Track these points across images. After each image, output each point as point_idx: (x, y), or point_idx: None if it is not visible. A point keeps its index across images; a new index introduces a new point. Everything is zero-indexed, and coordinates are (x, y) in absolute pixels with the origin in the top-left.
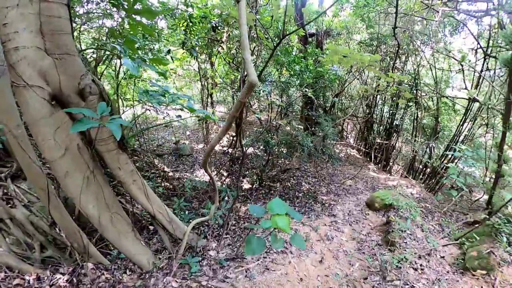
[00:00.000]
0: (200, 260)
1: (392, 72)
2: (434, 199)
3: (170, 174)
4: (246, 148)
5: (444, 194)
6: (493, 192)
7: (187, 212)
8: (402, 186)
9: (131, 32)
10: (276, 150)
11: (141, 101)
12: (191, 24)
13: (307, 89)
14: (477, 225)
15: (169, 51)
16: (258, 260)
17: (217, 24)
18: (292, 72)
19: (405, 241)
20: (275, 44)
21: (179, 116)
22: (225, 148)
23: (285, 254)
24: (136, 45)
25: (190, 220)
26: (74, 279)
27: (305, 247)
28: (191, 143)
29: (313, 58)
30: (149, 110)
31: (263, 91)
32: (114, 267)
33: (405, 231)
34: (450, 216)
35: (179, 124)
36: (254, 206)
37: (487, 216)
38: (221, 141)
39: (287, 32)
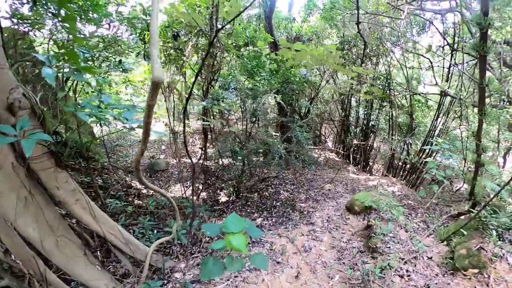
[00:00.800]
0: (164, 284)
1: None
2: (416, 195)
3: (144, 191)
4: (217, 160)
5: (426, 188)
6: (474, 183)
7: (155, 231)
8: (383, 185)
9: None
10: (254, 159)
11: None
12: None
13: (276, 95)
14: (462, 217)
15: (120, 61)
16: (228, 280)
17: (178, 33)
18: (257, 78)
19: (388, 245)
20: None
21: (132, 128)
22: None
23: (258, 271)
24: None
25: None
26: None
27: (281, 261)
28: (167, 157)
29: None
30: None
31: (226, 99)
32: None
33: (387, 234)
34: (433, 210)
35: (155, 139)
36: (209, 225)
37: (472, 210)
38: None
39: (253, 40)
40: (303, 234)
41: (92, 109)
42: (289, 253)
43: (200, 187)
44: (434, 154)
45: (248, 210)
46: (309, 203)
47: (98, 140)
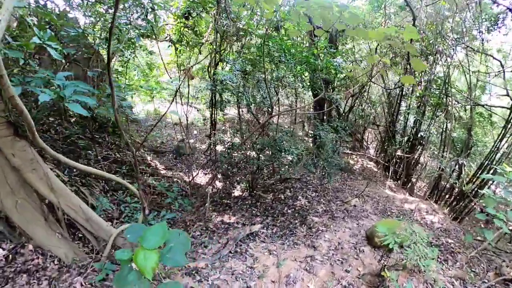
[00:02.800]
0: (116, 270)
1: (419, 74)
2: (460, 231)
3: (163, 172)
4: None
5: (472, 221)
6: None
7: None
8: (421, 211)
9: None
10: (282, 156)
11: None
12: None
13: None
14: None
15: None
16: None
17: (189, 12)
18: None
19: None
20: None
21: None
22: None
23: None
24: None
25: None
26: (11, 256)
27: None
28: (196, 142)
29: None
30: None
31: (229, 81)
32: (51, 253)
33: None
34: (479, 262)
35: (189, 122)
36: (134, 226)
37: None
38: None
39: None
40: (296, 259)
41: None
42: (267, 280)
43: (219, 176)
44: (492, 184)
45: (253, 212)
46: (324, 219)
47: (125, 118)
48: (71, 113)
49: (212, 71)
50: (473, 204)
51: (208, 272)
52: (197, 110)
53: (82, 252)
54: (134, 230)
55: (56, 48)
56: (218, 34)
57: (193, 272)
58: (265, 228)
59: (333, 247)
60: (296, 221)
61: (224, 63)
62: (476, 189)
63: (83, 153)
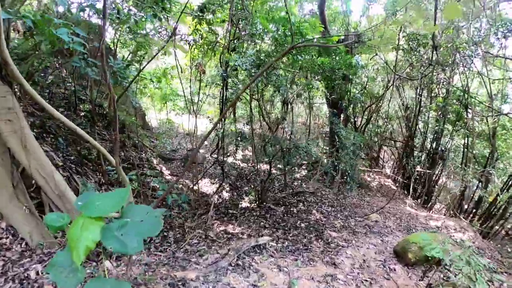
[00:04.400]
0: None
1: (437, 85)
2: (495, 251)
3: (168, 177)
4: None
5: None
6: None
7: None
8: (449, 229)
9: None
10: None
11: None
12: None
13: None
14: None
15: None
16: None
17: (205, 5)
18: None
19: None
20: None
21: None
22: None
23: None
24: None
25: None
26: None
27: None
28: (206, 152)
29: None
30: None
31: (239, 66)
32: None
33: None
34: None
35: (200, 133)
36: (90, 193)
37: None
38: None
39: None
40: (313, 278)
41: None
42: None
43: (226, 187)
44: None
45: (261, 223)
46: (343, 234)
47: (134, 118)
48: (81, 107)
49: (225, 58)
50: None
51: (198, 285)
52: (210, 121)
53: (50, 236)
54: (89, 197)
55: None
56: (233, 23)
57: (179, 283)
58: (274, 242)
59: (358, 265)
60: (311, 236)
61: (239, 49)
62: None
63: (87, 145)
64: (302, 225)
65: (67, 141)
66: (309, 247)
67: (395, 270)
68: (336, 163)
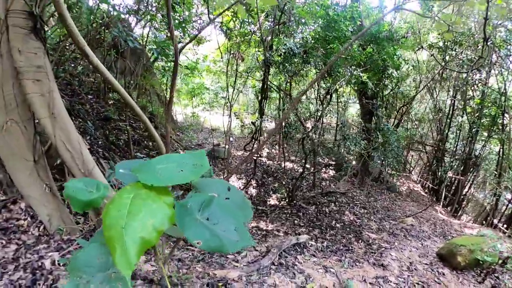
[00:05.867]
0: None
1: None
2: None
3: None
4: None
5: None
6: None
7: None
8: (485, 237)
9: None
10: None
11: None
12: None
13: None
14: None
15: None
16: None
17: None
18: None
19: None
20: None
21: None
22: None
23: None
24: None
25: None
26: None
27: None
28: (231, 148)
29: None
30: None
31: (290, 49)
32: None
33: None
34: None
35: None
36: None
37: None
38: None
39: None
40: (364, 279)
41: None
42: None
43: (253, 182)
44: None
45: (295, 222)
46: (383, 236)
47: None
48: (110, 95)
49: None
50: None
51: (241, 287)
52: (236, 117)
53: (72, 222)
54: (134, 163)
55: None
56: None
57: (219, 283)
58: (313, 241)
59: (405, 267)
60: (350, 236)
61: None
62: None
63: (114, 132)
64: (338, 225)
65: (95, 125)
66: (350, 247)
67: (444, 274)
68: (378, 159)
